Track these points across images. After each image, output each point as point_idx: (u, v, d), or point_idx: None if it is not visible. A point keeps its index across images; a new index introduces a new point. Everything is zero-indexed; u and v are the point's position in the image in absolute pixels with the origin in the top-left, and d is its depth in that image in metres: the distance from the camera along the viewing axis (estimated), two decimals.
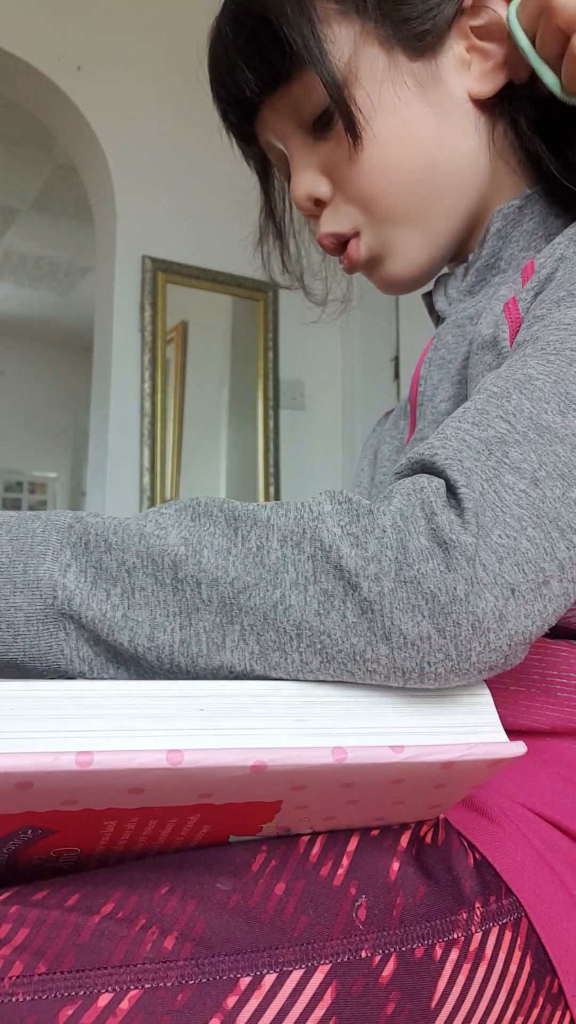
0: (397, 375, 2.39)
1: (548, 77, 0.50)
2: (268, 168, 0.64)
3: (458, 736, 0.35)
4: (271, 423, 2.31)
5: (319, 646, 0.34)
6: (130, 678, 0.36)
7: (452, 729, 0.35)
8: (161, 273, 2.18)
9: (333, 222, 0.58)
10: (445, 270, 0.62)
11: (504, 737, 0.35)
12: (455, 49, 0.55)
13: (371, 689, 0.35)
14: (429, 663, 0.33)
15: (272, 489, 2.29)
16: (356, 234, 0.58)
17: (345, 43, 0.53)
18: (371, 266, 0.59)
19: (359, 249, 0.58)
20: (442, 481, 0.35)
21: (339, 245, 0.59)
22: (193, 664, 0.35)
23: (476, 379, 0.49)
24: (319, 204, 0.58)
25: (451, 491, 0.35)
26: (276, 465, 2.31)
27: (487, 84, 0.55)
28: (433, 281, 0.62)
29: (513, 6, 0.51)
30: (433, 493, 0.34)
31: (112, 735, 0.30)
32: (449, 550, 0.33)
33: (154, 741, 0.30)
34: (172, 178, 2.23)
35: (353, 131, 0.53)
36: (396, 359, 2.40)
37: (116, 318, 2.14)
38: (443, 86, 0.55)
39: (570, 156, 0.54)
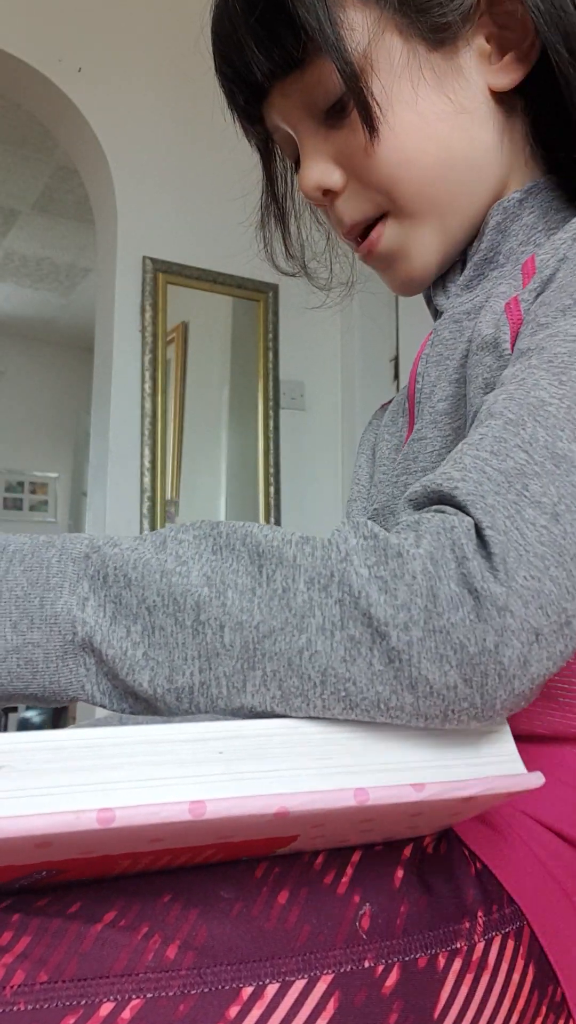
0: (397, 375, 2.39)
1: None
2: (270, 147, 0.62)
3: (477, 767, 0.34)
4: (271, 423, 2.31)
5: (343, 693, 0.33)
6: (147, 711, 0.35)
7: (471, 761, 0.35)
8: (161, 274, 2.18)
9: (356, 209, 0.55)
10: None
11: (522, 768, 0.35)
12: (475, 40, 0.53)
13: (390, 725, 0.34)
14: (453, 711, 0.33)
15: (272, 489, 2.29)
16: (381, 218, 0.55)
17: (362, 30, 0.51)
18: (387, 264, 0.57)
19: (381, 236, 0.56)
20: (472, 522, 0.34)
21: (361, 232, 0.57)
22: (213, 705, 0.34)
23: (475, 380, 0.48)
24: (327, 194, 0.56)
25: (477, 531, 0.34)
26: (276, 465, 2.31)
27: (507, 76, 0.53)
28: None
29: None
30: (464, 535, 0.33)
31: (132, 786, 0.29)
32: (480, 599, 0.32)
33: (174, 790, 0.30)
34: (172, 179, 2.24)
35: (370, 123, 0.51)
36: (396, 359, 2.41)
37: (117, 319, 2.15)
38: (462, 78, 0.53)
39: None
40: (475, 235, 0.57)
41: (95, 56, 2.16)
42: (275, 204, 0.64)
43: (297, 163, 0.58)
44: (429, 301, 0.61)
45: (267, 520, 2.28)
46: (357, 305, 2.39)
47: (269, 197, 0.64)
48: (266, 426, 2.31)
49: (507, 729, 0.36)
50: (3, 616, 0.34)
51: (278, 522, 2.29)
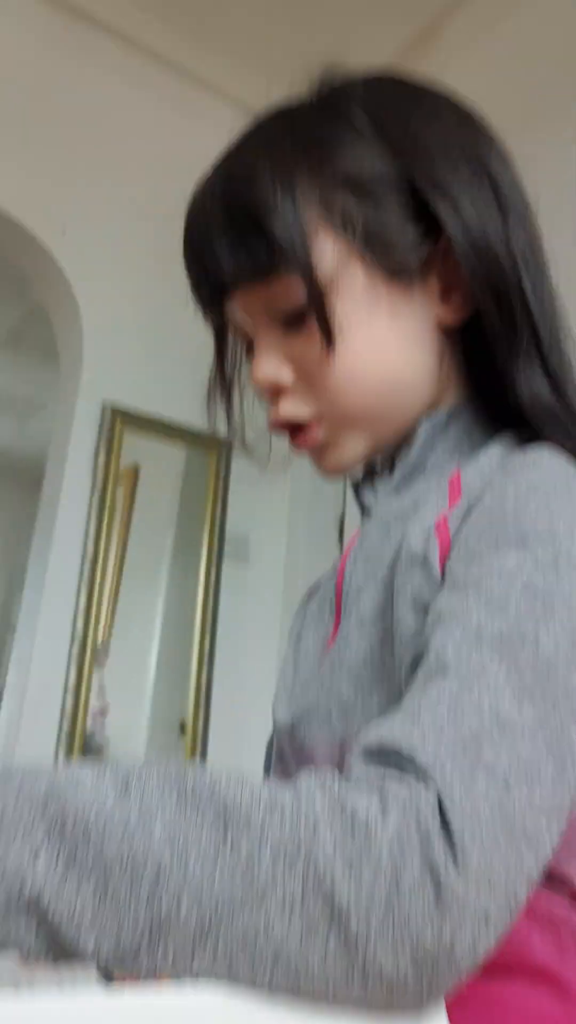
0: (341, 536, 2.42)
1: None
2: (225, 327, 0.64)
3: None
4: (212, 576, 2.29)
5: (293, 976, 0.32)
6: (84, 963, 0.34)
7: None
8: (119, 420, 2.21)
9: (295, 409, 0.59)
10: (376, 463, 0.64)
11: None
12: (430, 278, 0.57)
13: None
14: (399, 1000, 0.33)
15: (208, 642, 2.24)
16: (314, 421, 0.59)
17: (331, 257, 0.54)
18: (317, 453, 0.61)
19: (316, 436, 0.59)
20: (436, 797, 0.34)
21: (290, 427, 0.60)
22: (156, 970, 0.33)
23: (404, 593, 0.49)
24: (276, 389, 0.59)
25: (439, 806, 0.34)
26: (214, 617, 2.27)
27: (453, 314, 0.58)
28: (362, 474, 0.65)
29: None
30: (430, 814, 0.34)
31: None
32: (440, 888, 0.32)
33: None
34: (141, 333, 2.31)
35: (329, 340, 0.54)
36: (342, 519, 2.44)
37: (70, 459, 2.15)
38: (415, 312, 0.57)
39: (518, 387, 0.56)
40: (403, 439, 0.60)
41: (76, 211, 2.27)
42: (222, 381, 0.67)
43: (249, 346, 0.62)
44: (357, 493, 0.65)
45: (199, 674, 2.21)
46: (306, 465, 2.43)
47: (218, 373, 0.67)
48: (207, 578, 2.28)
49: (443, 1008, 0.35)
50: None
51: (209, 676, 2.23)
